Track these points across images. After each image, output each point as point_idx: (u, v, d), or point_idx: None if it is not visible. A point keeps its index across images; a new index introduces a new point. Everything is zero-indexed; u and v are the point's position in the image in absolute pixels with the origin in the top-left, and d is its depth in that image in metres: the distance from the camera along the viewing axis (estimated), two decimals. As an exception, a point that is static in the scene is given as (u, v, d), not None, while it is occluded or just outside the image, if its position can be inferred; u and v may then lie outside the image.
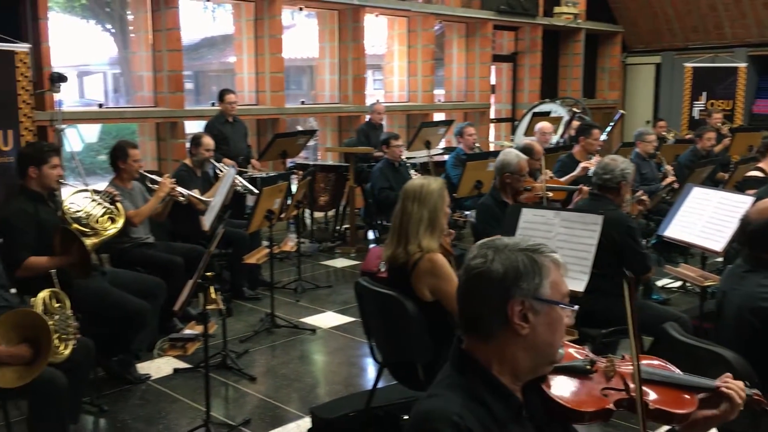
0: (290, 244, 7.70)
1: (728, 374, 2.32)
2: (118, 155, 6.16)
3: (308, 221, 10.11)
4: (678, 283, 7.56)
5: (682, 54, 15.40)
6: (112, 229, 5.27)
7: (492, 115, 14.51)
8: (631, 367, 2.27)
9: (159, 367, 5.63)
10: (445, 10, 12.77)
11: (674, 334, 3.33)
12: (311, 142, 10.73)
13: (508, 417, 1.93)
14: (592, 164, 6.95)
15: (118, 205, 5.47)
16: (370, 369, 5.69)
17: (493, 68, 14.21)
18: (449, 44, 14.04)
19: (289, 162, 9.63)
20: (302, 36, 15.79)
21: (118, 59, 14.75)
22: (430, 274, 3.83)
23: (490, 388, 1.93)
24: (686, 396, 2.29)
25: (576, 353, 2.37)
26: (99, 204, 5.34)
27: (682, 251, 7.51)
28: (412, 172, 8.59)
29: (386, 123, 11.38)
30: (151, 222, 6.42)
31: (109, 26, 14.88)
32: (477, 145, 9.23)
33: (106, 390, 5.15)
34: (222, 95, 8.80)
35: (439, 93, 14.08)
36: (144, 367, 5.55)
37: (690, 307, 6.32)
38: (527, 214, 4.46)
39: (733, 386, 2.26)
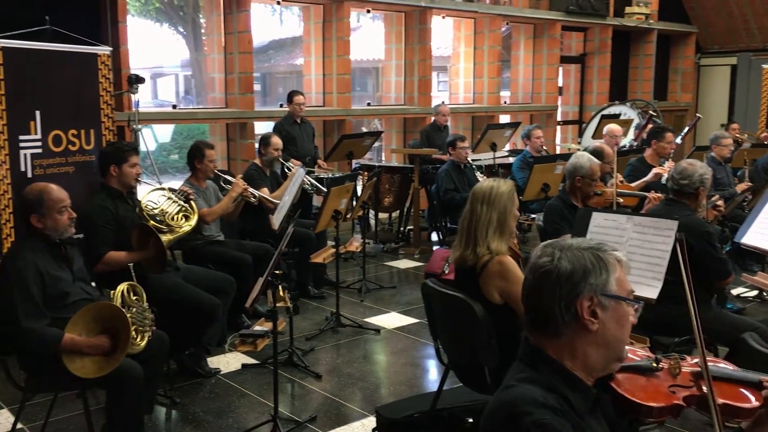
0: (355, 244, 7.76)
1: None
2: (195, 155, 6.34)
3: (372, 222, 10.19)
4: (754, 292, 7.37)
5: (760, 55, 15.04)
6: (186, 226, 5.40)
7: (559, 118, 14.42)
8: (695, 366, 2.32)
9: (228, 361, 5.75)
10: (512, 11, 12.75)
11: (754, 344, 3.28)
12: (376, 144, 10.80)
13: (584, 409, 1.97)
14: (665, 170, 6.79)
15: (192, 203, 5.62)
16: (434, 370, 5.73)
17: (560, 70, 14.10)
18: (516, 45, 14.00)
19: (355, 163, 9.72)
20: (368, 38, 15.87)
21: (189, 61, 14.99)
22: (499, 277, 3.81)
23: (566, 380, 1.97)
24: (750, 392, 2.31)
25: (635, 354, 2.41)
26: (174, 202, 5.48)
27: (759, 259, 7.26)
28: (478, 174, 8.60)
29: (451, 125, 11.40)
30: (221, 220, 6.58)
31: (181, 29, 15.13)
32: (544, 148, 9.19)
33: (178, 382, 5.30)
34: (291, 96, 8.93)
35: (505, 95, 14.02)
36: (214, 362, 5.67)
37: (767, 317, 6.22)
38: (598, 218, 4.38)
39: None
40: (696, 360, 2.40)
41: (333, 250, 6.63)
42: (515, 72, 14.05)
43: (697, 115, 13.16)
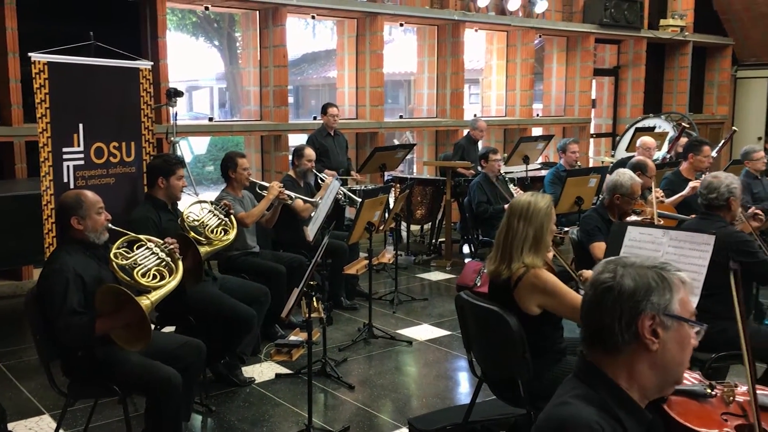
0: (388, 256, 7.80)
1: None
2: (228, 165, 6.45)
3: (404, 234, 10.23)
4: None
5: None
6: (225, 240, 5.49)
7: (592, 130, 14.40)
8: (748, 396, 2.31)
9: (262, 371, 5.83)
10: (545, 24, 12.79)
11: None
12: (408, 156, 10.86)
13: None
14: None
15: (232, 218, 5.71)
16: (465, 383, 5.76)
17: (593, 82, 14.11)
18: (549, 58, 14.03)
19: (387, 175, 9.78)
20: (401, 50, 15.94)
21: (224, 74, 15.14)
22: (539, 292, 3.82)
23: (620, 402, 1.93)
24: None
25: (687, 379, 2.41)
26: (215, 215, 5.58)
27: None
28: (511, 186, 8.61)
29: (483, 137, 11.44)
30: (257, 231, 6.67)
31: (216, 43, 15.29)
32: (578, 163, 9.19)
33: (214, 391, 5.38)
34: (325, 108, 9.03)
35: (538, 107, 14.04)
36: (248, 371, 5.75)
37: None
38: (633, 232, 4.36)
39: None
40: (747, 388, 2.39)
41: (366, 261, 6.68)
42: (548, 85, 14.08)
43: (733, 128, 13.05)
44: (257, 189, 6.74)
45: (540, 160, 10.93)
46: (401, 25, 11.41)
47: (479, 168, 8.84)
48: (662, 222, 5.85)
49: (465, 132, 10.65)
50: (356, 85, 10.90)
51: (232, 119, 11.86)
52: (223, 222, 5.59)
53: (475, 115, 11.74)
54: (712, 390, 2.38)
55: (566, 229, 6.78)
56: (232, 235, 5.56)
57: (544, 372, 3.87)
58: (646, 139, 8.88)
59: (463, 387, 5.71)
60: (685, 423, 2.22)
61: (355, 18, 10.70)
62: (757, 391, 2.39)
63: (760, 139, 15.09)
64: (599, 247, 5.36)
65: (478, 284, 6.10)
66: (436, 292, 8.39)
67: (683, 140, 9.79)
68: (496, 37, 12.95)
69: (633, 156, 8.00)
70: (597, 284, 1.99)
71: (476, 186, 8.56)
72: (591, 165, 12.29)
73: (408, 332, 6.84)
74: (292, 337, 6.09)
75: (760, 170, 8.29)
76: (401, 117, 12.28)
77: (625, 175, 5.74)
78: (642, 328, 1.92)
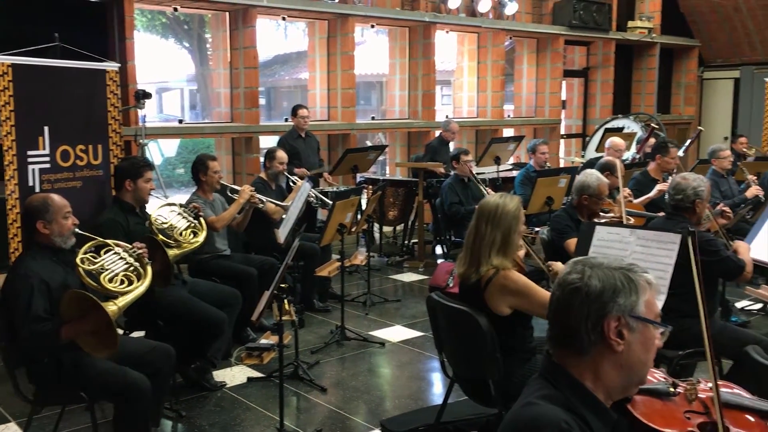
0: (360, 257, 7.80)
1: None
2: (199, 168, 6.40)
3: (377, 235, 10.22)
4: (759, 305, 7.39)
5: (762, 69, 15.09)
6: (195, 242, 5.44)
7: (562, 131, 14.46)
8: (711, 392, 2.32)
9: (233, 375, 5.78)
10: (516, 26, 12.81)
11: (757, 357, 3.29)
12: (380, 157, 10.85)
13: None
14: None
15: (202, 220, 5.66)
16: (438, 384, 5.75)
17: (563, 83, 14.19)
18: (519, 60, 14.07)
19: (359, 176, 9.76)
20: (373, 52, 15.94)
21: (195, 76, 15.06)
22: (509, 293, 3.82)
23: (585, 402, 1.94)
24: (763, 422, 2.32)
25: (652, 377, 2.41)
26: (184, 218, 5.53)
27: (763, 272, 7.07)
28: (482, 187, 8.63)
29: (455, 138, 11.46)
30: (228, 234, 6.62)
31: (186, 44, 15.21)
32: (547, 164, 9.23)
33: (184, 396, 5.31)
34: (295, 110, 8.99)
35: (509, 108, 14.08)
36: (219, 375, 5.69)
37: None
38: (601, 232, 4.38)
39: None
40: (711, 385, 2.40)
41: (338, 263, 6.67)
42: (519, 86, 14.12)
43: (699, 128, 13.21)
44: (228, 192, 6.69)
45: (511, 160, 10.97)
46: (372, 26, 11.38)
47: (451, 169, 8.83)
48: (632, 221, 5.93)
49: (437, 133, 10.64)
50: (328, 86, 10.85)
51: (202, 121, 11.79)
52: (192, 224, 5.54)
53: (447, 117, 11.74)
54: (675, 388, 2.38)
55: (537, 229, 6.80)
56: (201, 237, 5.51)
57: (515, 371, 3.88)
58: (615, 140, 8.92)
59: (437, 388, 5.70)
60: (649, 423, 2.22)
61: (326, 19, 10.66)
62: (722, 389, 2.40)
63: (726, 138, 15.23)
64: (574, 243, 5.34)
65: (451, 285, 6.07)
66: (409, 293, 8.38)
67: (652, 141, 9.89)
68: (467, 38, 12.95)
69: (602, 156, 8.07)
70: (564, 285, 2.00)
71: (448, 187, 8.56)
72: (561, 165, 12.34)
73: (381, 334, 6.82)
74: (263, 341, 6.09)
75: (726, 169, 8.42)
76: (373, 118, 12.27)
77: (592, 175, 5.79)
78: (608, 329, 1.93)
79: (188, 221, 5.53)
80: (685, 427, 2.25)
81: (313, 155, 9.12)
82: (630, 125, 12.35)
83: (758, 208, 7.20)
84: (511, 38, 13.53)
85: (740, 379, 2.55)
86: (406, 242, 10.21)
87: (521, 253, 4.16)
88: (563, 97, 14.39)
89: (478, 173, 9.21)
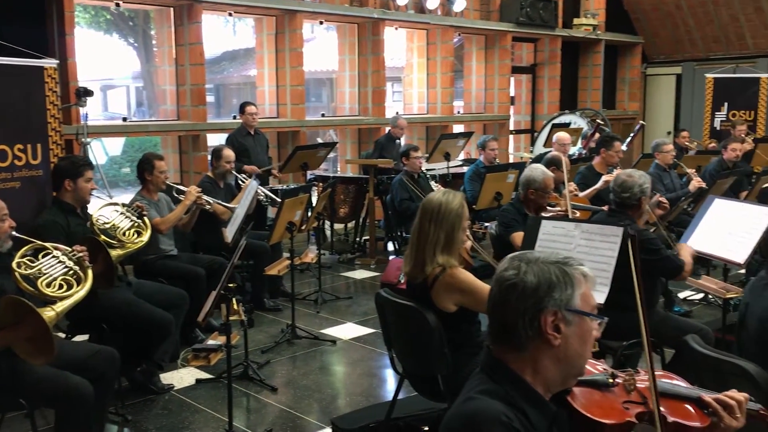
0: (311, 255, 7.74)
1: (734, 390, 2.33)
2: (145, 167, 6.28)
3: (328, 233, 10.17)
4: (700, 295, 7.52)
5: (703, 65, 15.37)
6: (138, 242, 5.33)
7: (511, 127, 14.55)
8: (649, 382, 2.32)
9: (182, 377, 5.69)
10: (464, 23, 12.85)
11: (695, 346, 3.32)
12: (331, 154, 10.80)
13: (543, 426, 1.97)
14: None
15: (146, 219, 5.55)
16: (390, 380, 5.73)
17: (512, 80, 14.26)
18: (468, 56, 14.11)
19: (310, 174, 9.70)
20: (322, 49, 15.88)
21: (141, 73, 14.86)
22: (455, 290, 3.81)
23: (525, 396, 1.96)
24: (701, 410, 2.33)
25: (593, 368, 2.42)
26: (127, 217, 5.41)
27: (704, 263, 7.37)
28: (433, 183, 8.63)
29: (405, 134, 11.43)
30: (174, 233, 6.51)
31: (132, 40, 14.99)
32: (497, 160, 9.26)
33: (130, 400, 5.22)
34: (243, 107, 8.90)
35: (459, 105, 14.13)
36: (167, 378, 5.60)
37: (712, 320, 6.35)
38: (547, 226, 4.42)
39: (727, 399, 2.27)
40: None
41: (288, 261, 6.61)
42: (468, 82, 14.17)
43: (641, 122, 13.41)
44: (174, 193, 6.57)
45: (461, 156, 10.97)
46: (321, 23, 11.32)
47: (401, 165, 8.80)
48: (578, 214, 6.00)
49: (387, 130, 10.61)
50: (276, 83, 10.77)
51: (148, 119, 11.62)
52: (136, 224, 5.42)
53: (397, 113, 11.72)
54: (614, 379, 2.39)
55: (486, 224, 6.81)
56: (145, 237, 5.40)
57: (463, 366, 3.87)
58: (561, 135, 9.09)
59: (389, 384, 5.68)
60: (587, 414, 2.22)
61: (274, 15, 10.57)
62: (661, 379, 2.42)
63: (669, 133, 15.54)
64: (518, 237, 5.39)
65: (402, 281, 6.04)
66: (360, 290, 8.35)
67: (597, 136, 10.01)
68: (416, 35, 12.96)
69: (550, 151, 8.11)
70: (501, 281, 2.02)
71: (398, 183, 8.55)
72: (511, 161, 12.40)
73: (332, 331, 6.78)
74: (211, 341, 6.00)
75: (669, 163, 8.53)
76: (323, 115, 12.21)
77: (537, 170, 5.81)
78: (545, 324, 1.95)
79: (131, 221, 5.41)
80: (624, 417, 2.26)
81: (262, 153, 9.05)
82: (576, 121, 12.50)
83: (698, 201, 7.29)
84: (459, 35, 13.55)
85: (681, 368, 2.56)
86: (357, 239, 10.18)
87: (467, 246, 4.17)
88: (512, 93, 14.47)
89: (428, 169, 9.23)
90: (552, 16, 13.91)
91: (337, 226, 10.42)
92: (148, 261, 6.17)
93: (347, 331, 6.83)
